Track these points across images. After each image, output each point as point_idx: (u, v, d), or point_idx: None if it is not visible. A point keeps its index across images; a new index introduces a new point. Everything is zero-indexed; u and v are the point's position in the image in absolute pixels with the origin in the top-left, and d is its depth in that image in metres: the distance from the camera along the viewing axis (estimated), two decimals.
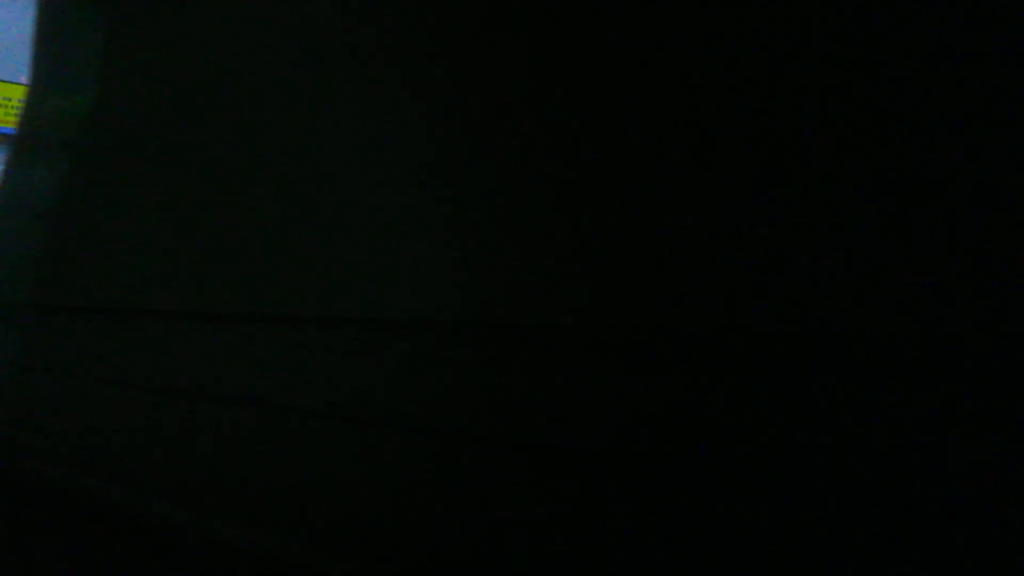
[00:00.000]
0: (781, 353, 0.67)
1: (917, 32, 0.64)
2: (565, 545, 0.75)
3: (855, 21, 0.67)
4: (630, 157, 0.79)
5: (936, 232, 0.61)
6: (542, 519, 0.77)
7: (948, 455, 0.58)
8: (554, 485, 0.77)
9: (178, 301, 1.23)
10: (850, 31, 0.67)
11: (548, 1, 0.88)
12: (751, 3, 0.73)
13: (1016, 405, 0.56)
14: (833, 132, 0.67)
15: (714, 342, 0.70)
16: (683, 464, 0.70)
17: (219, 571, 1.01)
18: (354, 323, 0.99)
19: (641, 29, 0.80)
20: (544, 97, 0.86)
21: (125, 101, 1.46)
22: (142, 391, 1.25)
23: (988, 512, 0.56)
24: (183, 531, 1.10)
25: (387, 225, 0.98)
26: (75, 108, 1.60)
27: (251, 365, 1.09)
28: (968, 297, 0.59)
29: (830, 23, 0.68)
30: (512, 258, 0.86)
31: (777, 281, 0.68)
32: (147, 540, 1.12)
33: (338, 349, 0.99)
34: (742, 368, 0.68)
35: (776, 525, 0.64)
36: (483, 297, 0.87)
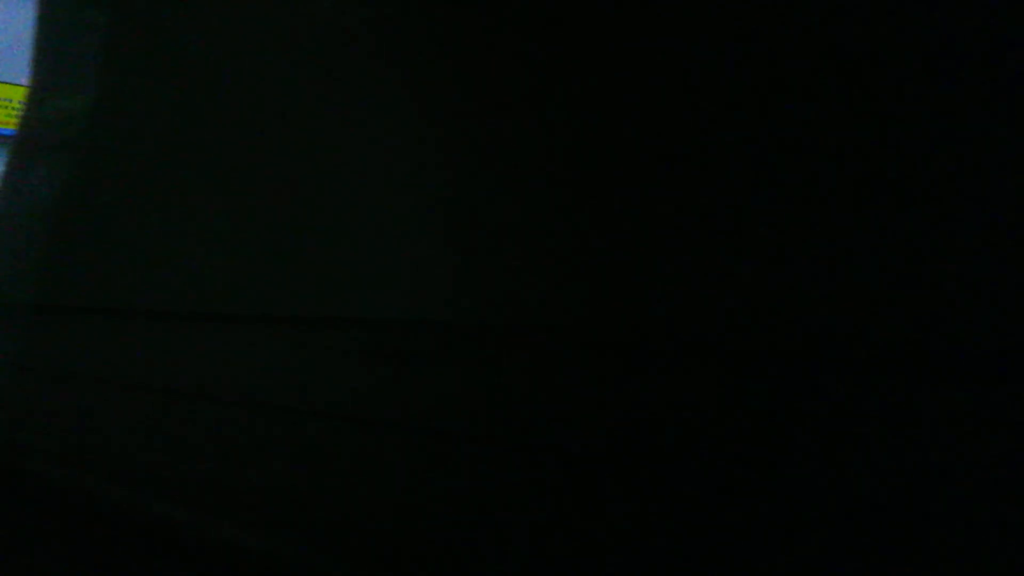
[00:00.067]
0: (781, 353, 0.67)
1: (917, 32, 0.64)
2: (565, 545, 0.75)
3: (855, 21, 0.67)
4: (630, 157, 0.79)
5: (936, 232, 0.61)
6: (542, 519, 0.77)
7: (948, 455, 0.58)
8: (554, 485, 0.77)
9: (178, 302, 1.23)
10: (850, 31, 0.67)
11: (548, 1, 0.88)
12: (751, 3, 0.73)
13: (1016, 405, 0.56)
14: (833, 132, 0.67)
15: (714, 342, 0.70)
16: (683, 464, 0.70)
17: (219, 571, 1.01)
18: (354, 323, 0.99)
19: (641, 29, 0.80)
20: (544, 97, 0.87)
21: (125, 101, 1.46)
22: (142, 391, 1.25)
23: (988, 512, 0.56)
24: (183, 531, 1.10)
25: (387, 225, 0.98)
26: (75, 109, 1.60)
27: (251, 366, 1.10)
28: (968, 297, 0.59)
29: (830, 23, 0.68)
30: (512, 258, 0.86)
31: (777, 281, 0.68)
32: (147, 540, 1.12)
33: (338, 349, 0.99)
34: (742, 368, 0.68)
35: (776, 525, 0.64)
36: (483, 297, 0.87)
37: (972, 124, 0.60)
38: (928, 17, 0.63)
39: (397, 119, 1.00)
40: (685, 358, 0.71)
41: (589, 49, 0.84)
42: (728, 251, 0.71)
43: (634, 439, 0.73)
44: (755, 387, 0.67)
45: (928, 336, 0.60)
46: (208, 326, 1.17)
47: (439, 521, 0.85)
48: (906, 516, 0.59)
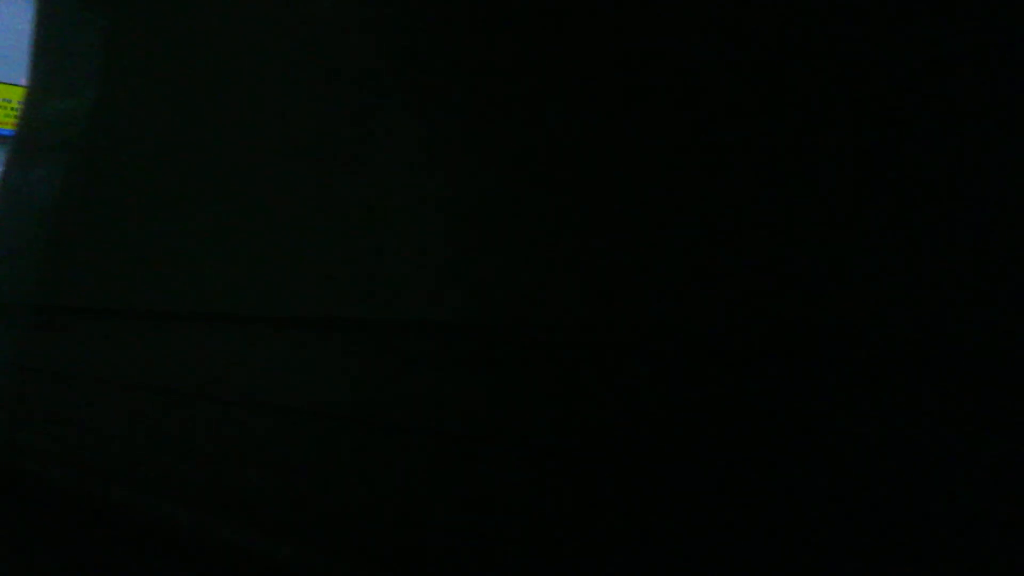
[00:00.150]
0: (782, 353, 0.67)
1: (917, 31, 0.64)
2: (565, 545, 0.75)
3: (855, 21, 0.67)
4: (630, 157, 0.79)
5: (936, 232, 0.61)
6: (542, 519, 0.77)
7: (948, 455, 0.58)
8: (554, 485, 0.77)
9: (178, 302, 1.23)
10: (850, 31, 0.67)
11: (548, 1, 0.88)
12: (751, 4, 0.73)
13: (1016, 405, 0.56)
14: (833, 133, 0.67)
15: (714, 342, 0.70)
16: (683, 464, 0.70)
17: (219, 571, 1.01)
18: (354, 323, 0.99)
19: (641, 29, 0.80)
20: (544, 97, 0.87)
21: (124, 101, 1.46)
22: (142, 391, 1.24)
23: (988, 512, 0.56)
24: (184, 531, 1.09)
25: (388, 226, 0.98)
26: (74, 109, 1.60)
27: (252, 366, 1.09)
28: (968, 297, 0.59)
29: (830, 23, 0.68)
30: (513, 259, 0.86)
31: (777, 281, 0.68)
32: (148, 540, 1.12)
33: (338, 349, 0.99)
34: (742, 368, 0.68)
35: (776, 525, 0.64)
36: (483, 297, 0.87)
37: (972, 124, 0.60)
38: (928, 17, 0.63)
39: (397, 119, 1.00)
40: (685, 358, 0.71)
41: (590, 49, 0.84)
42: (729, 251, 0.71)
43: (634, 439, 0.73)
44: (755, 387, 0.67)
45: (928, 336, 0.60)
46: (208, 326, 1.17)
47: (439, 521, 0.85)
48: (906, 516, 0.59)
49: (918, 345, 0.61)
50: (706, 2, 0.76)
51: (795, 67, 0.70)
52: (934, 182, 0.62)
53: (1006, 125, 0.59)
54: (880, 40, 0.66)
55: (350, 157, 1.04)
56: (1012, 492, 0.55)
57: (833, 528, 0.62)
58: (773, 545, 0.64)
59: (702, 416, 0.69)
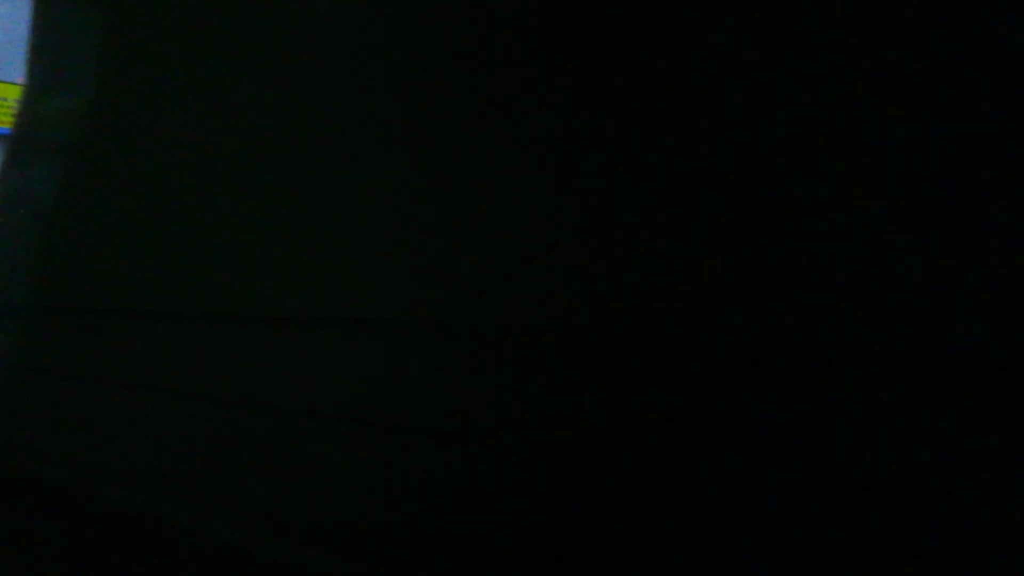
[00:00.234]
0: (782, 354, 0.67)
1: (917, 31, 0.64)
2: (565, 545, 0.75)
3: (855, 20, 0.67)
4: (630, 157, 0.79)
5: (936, 232, 0.61)
6: (542, 519, 0.77)
7: (948, 455, 0.58)
8: (554, 485, 0.77)
9: (178, 302, 1.23)
10: (850, 31, 0.67)
11: (548, 1, 0.88)
12: (751, 3, 0.73)
13: (1016, 405, 0.56)
14: (833, 132, 0.67)
15: (714, 342, 0.70)
16: (684, 465, 0.70)
17: (219, 572, 1.01)
18: (355, 324, 0.99)
19: (641, 28, 0.80)
20: (543, 97, 0.87)
21: (123, 100, 1.46)
22: (142, 392, 1.24)
23: (988, 512, 0.56)
24: (184, 532, 1.10)
25: (388, 226, 0.98)
26: (72, 107, 1.60)
27: (252, 366, 1.10)
28: (968, 297, 0.59)
29: (830, 23, 0.68)
30: (511, 259, 0.86)
31: (777, 281, 0.68)
32: (148, 541, 1.12)
33: (339, 350, 0.99)
34: (742, 368, 0.68)
35: (777, 525, 0.64)
36: (483, 298, 0.87)
37: (972, 124, 0.61)
38: (928, 17, 0.63)
39: (397, 118, 1.00)
40: (685, 359, 0.72)
41: (590, 49, 0.84)
42: (728, 251, 0.71)
43: (634, 439, 0.73)
44: (755, 387, 0.67)
45: (928, 336, 0.60)
46: (208, 326, 1.17)
47: (439, 521, 0.85)
48: (906, 516, 0.59)
49: (918, 346, 0.61)
50: (706, 2, 0.76)
51: (797, 67, 0.70)
52: (934, 182, 0.62)
53: (1006, 125, 0.59)
54: (882, 40, 0.66)
55: (350, 157, 1.04)
56: (1012, 493, 0.55)
57: (833, 528, 0.62)
58: (773, 545, 0.64)
59: (702, 416, 0.70)
